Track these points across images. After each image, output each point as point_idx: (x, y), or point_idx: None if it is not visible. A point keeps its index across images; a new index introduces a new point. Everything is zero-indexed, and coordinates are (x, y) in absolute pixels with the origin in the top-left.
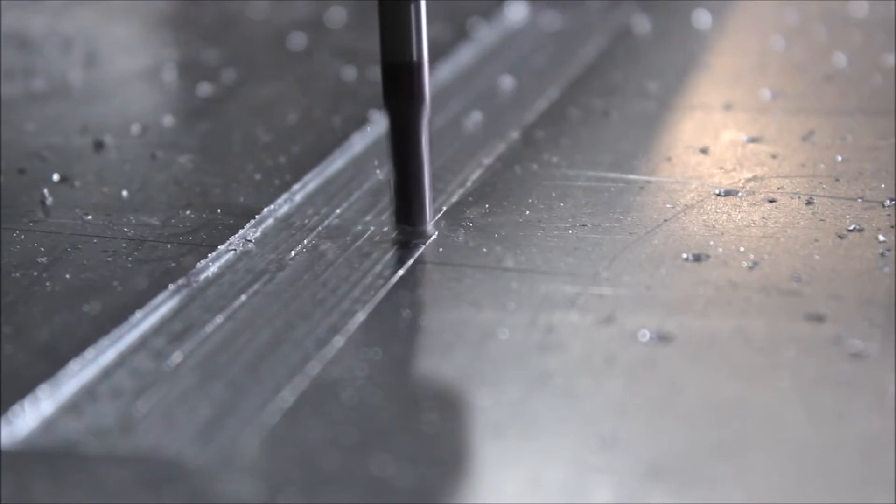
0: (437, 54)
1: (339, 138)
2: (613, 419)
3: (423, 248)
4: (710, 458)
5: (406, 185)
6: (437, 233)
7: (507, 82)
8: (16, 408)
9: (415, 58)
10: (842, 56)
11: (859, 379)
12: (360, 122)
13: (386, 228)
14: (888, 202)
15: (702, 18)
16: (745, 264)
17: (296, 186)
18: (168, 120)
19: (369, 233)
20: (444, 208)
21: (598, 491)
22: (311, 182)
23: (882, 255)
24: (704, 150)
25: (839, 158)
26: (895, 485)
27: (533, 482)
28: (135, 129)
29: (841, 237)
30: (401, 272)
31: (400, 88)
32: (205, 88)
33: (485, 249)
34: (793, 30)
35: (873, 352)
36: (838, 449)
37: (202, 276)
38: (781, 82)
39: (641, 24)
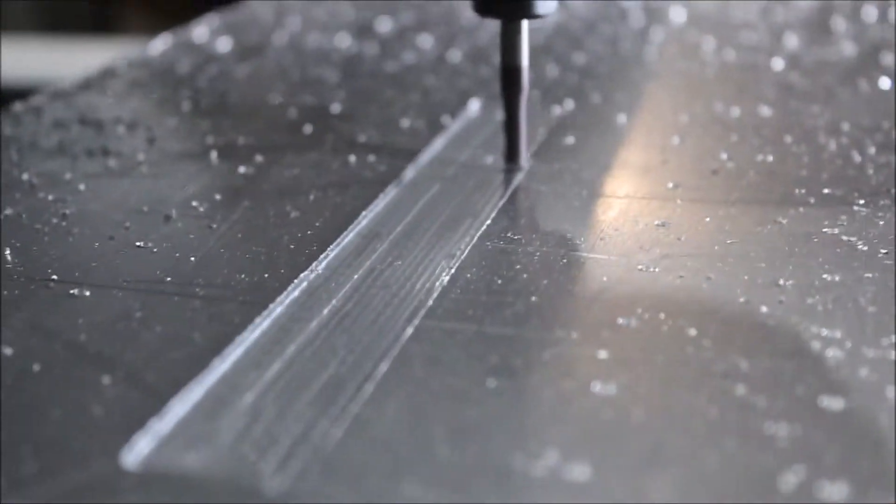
0: (419, 144)
1: (350, 215)
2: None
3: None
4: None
5: (513, 139)
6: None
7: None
8: (135, 436)
9: (519, 64)
10: (724, 154)
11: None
12: (368, 201)
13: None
14: (767, 282)
15: (619, 119)
16: (664, 327)
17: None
18: (217, 196)
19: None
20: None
21: None
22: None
23: (764, 320)
24: (627, 232)
25: (728, 241)
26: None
27: None
28: (194, 202)
29: (732, 307)
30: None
31: (511, 82)
32: (242, 169)
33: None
34: (686, 131)
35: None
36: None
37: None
38: (681, 175)
39: (573, 119)
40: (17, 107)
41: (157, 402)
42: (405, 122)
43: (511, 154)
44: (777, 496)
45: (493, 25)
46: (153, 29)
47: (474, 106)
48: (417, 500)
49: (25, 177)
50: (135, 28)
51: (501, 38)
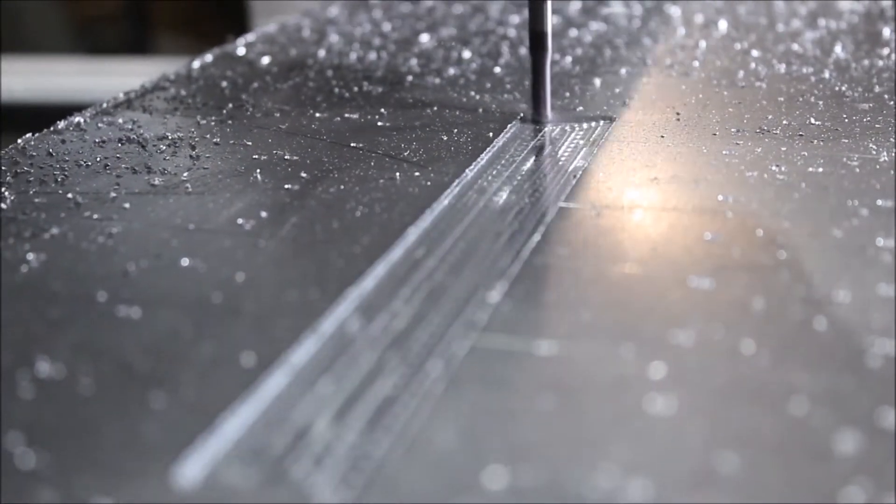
0: (465, 159)
1: (398, 230)
2: None
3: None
4: None
5: (539, 95)
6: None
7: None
8: (187, 456)
9: (545, 29)
10: (773, 165)
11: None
12: (416, 216)
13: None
14: (823, 295)
15: (664, 131)
16: (721, 343)
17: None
18: (263, 213)
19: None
20: None
21: None
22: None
23: (822, 335)
24: (678, 245)
25: (781, 254)
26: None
27: None
28: (240, 220)
29: (789, 322)
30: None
31: (538, 44)
32: (288, 186)
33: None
34: (738, 144)
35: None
36: None
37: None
38: (732, 189)
39: (618, 133)
40: (60, 125)
41: (208, 421)
42: (449, 137)
43: (536, 108)
44: None
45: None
46: (188, 51)
47: (518, 120)
48: None
49: (70, 195)
50: (171, 50)
51: (529, 6)
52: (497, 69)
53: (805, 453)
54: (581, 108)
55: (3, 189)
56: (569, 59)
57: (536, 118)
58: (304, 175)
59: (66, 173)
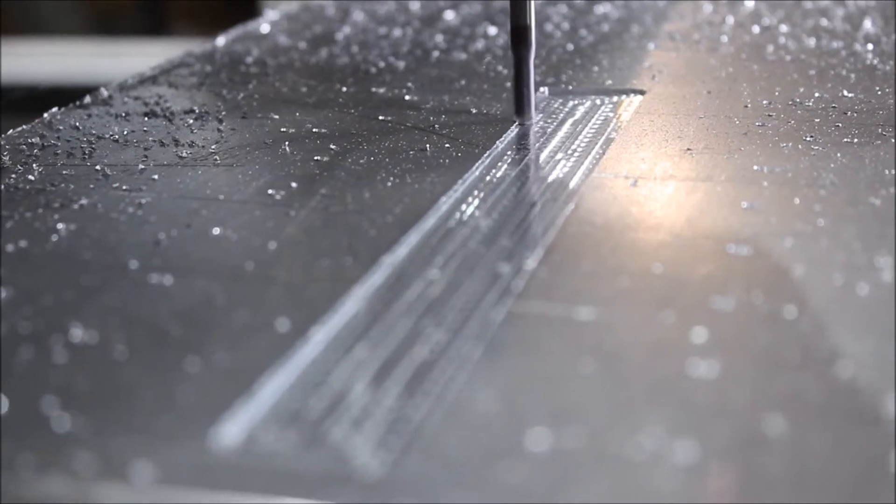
0: (494, 131)
1: (430, 200)
2: None
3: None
4: None
5: (522, 94)
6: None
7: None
8: (223, 420)
9: (528, 23)
10: (808, 136)
11: None
12: (447, 186)
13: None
14: (864, 262)
15: (698, 103)
16: (762, 309)
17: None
18: (293, 184)
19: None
20: None
21: None
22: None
23: (864, 301)
24: (715, 214)
25: (820, 222)
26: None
27: None
28: (270, 191)
29: (830, 288)
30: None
31: (520, 40)
32: (317, 157)
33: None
34: (770, 116)
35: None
36: None
37: None
38: (767, 159)
39: (650, 106)
40: (86, 99)
41: (245, 386)
42: (478, 110)
43: (519, 108)
44: (888, 478)
45: (558, 16)
46: (207, 33)
47: (543, 93)
48: (516, 485)
49: (98, 167)
50: (189, 32)
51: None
52: None
53: (851, 417)
54: (610, 81)
55: (31, 161)
56: (597, 33)
57: (521, 121)
58: (333, 147)
59: (93, 146)
